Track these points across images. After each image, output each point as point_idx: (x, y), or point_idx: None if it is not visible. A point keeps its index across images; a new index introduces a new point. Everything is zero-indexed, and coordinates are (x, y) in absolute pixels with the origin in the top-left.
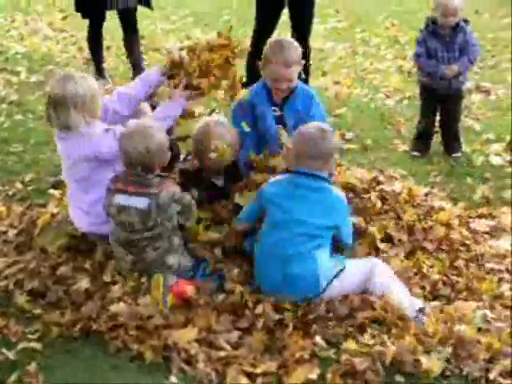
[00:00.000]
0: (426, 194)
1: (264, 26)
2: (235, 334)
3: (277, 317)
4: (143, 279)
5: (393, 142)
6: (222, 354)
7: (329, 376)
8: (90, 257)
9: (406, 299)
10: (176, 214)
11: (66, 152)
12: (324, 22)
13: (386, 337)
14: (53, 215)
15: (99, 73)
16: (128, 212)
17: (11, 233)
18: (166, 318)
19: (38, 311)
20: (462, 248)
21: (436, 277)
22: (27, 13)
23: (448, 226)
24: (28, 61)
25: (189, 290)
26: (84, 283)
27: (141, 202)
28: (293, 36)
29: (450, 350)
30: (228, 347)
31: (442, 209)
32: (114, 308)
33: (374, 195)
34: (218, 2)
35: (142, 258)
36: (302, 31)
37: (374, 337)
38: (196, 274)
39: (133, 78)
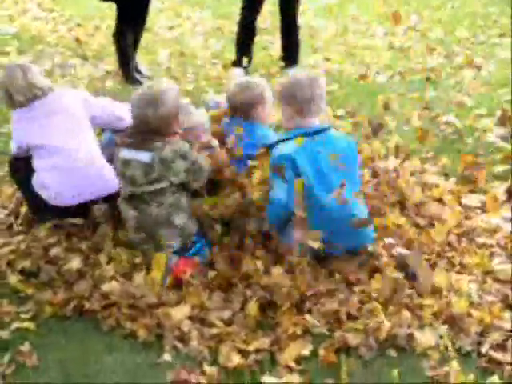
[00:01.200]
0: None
1: (252, 2)
2: (228, 312)
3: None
4: (138, 259)
5: (384, 118)
6: (215, 331)
7: (321, 352)
8: (82, 237)
9: None
10: (183, 171)
11: None
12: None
13: (381, 314)
14: None
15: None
16: (131, 165)
17: (2, 213)
18: (158, 297)
19: (30, 291)
20: (453, 223)
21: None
22: None
23: (440, 201)
24: (18, 41)
25: (188, 270)
26: (76, 263)
27: (144, 156)
28: (281, 12)
29: (444, 326)
30: (221, 324)
31: (435, 185)
32: (106, 287)
33: (366, 171)
34: None
35: (146, 213)
36: (289, 8)
37: (369, 312)
38: (196, 244)
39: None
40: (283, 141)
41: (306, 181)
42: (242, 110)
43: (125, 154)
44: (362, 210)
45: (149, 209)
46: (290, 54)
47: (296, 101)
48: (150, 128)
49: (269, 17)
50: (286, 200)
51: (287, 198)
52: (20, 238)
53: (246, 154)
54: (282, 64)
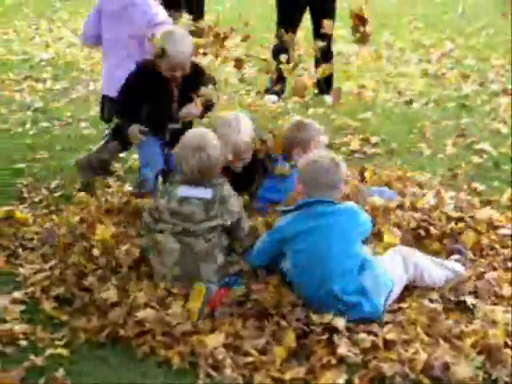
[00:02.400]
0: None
1: (285, 28)
2: (262, 340)
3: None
4: (174, 289)
5: (418, 145)
6: (249, 359)
7: (356, 381)
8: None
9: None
10: (237, 213)
11: None
12: (348, 26)
13: (418, 344)
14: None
15: None
16: (190, 202)
17: (37, 240)
18: (193, 325)
19: (64, 317)
20: (490, 252)
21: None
22: (51, 20)
23: (477, 230)
24: (53, 67)
25: (224, 300)
26: (110, 293)
27: (206, 193)
28: (315, 39)
29: (481, 357)
30: (255, 353)
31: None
32: (141, 314)
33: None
34: (242, 8)
35: (192, 248)
36: (323, 34)
37: (405, 342)
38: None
39: None
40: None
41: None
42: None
43: (182, 190)
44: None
45: (196, 243)
46: (324, 80)
47: (316, 184)
48: (211, 165)
49: (302, 43)
50: (256, 256)
51: (256, 255)
52: (53, 263)
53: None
54: (316, 91)
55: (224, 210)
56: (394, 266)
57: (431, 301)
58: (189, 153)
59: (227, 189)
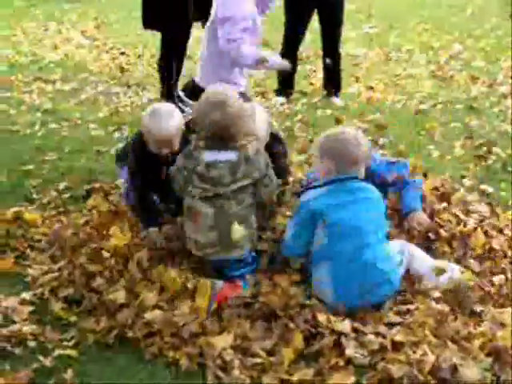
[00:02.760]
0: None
1: (294, 30)
2: (270, 342)
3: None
4: (189, 283)
5: (426, 147)
6: (257, 360)
7: (364, 383)
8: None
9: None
10: (264, 168)
11: None
12: (357, 28)
13: (425, 346)
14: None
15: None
16: (216, 166)
17: (45, 241)
18: (201, 326)
19: (73, 318)
20: (498, 254)
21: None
22: (60, 22)
23: (486, 233)
24: (62, 69)
25: (231, 295)
26: (119, 295)
27: (230, 155)
28: (323, 41)
29: (489, 359)
30: (263, 354)
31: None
32: (149, 315)
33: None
34: None
35: (225, 210)
36: (331, 37)
37: (413, 344)
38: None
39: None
40: (313, 188)
41: (328, 229)
42: None
43: (207, 156)
44: (389, 260)
45: (229, 205)
46: (332, 82)
47: (346, 159)
48: (221, 131)
49: (311, 45)
50: (290, 243)
51: (293, 240)
52: (62, 264)
53: None
54: (324, 92)
55: (252, 169)
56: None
57: (439, 302)
58: (207, 108)
59: (252, 147)
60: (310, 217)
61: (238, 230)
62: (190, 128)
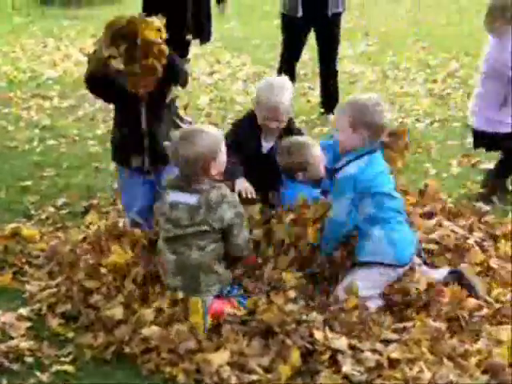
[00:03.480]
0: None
1: (290, 49)
2: (267, 358)
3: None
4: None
5: (423, 165)
6: (254, 377)
7: None
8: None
9: None
10: (228, 219)
11: None
12: (353, 46)
13: (422, 363)
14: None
15: None
16: (178, 208)
17: (43, 257)
18: (198, 342)
19: (70, 334)
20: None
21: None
22: (59, 38)
23: (483, 249)
24: (60, 86)
25: (226, 309)
26: (116, 311)
27: (191, 198)
28: (320, 59)
29: (486, 377)
30: (260, 371)
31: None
32: (146, 331)
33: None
34: (248, 27)
35: (186, 257)
36: (328, 55)
37: (410, 361)
38: (230, 292)
39: None
40: (349, 162)
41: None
42: None
43: (172, 196)
44: None
45: (189, 252)
46: (330, 100)
47: (376, 128)
48: (189, 168)
49: (308, 63)
50: (345, 219)
51: (346, 216)
52: (59, 280)
53: None
54: (322, 110)
55: (212, 217)
56: None
57: (435, 320)
58: (177, 144)
59: (217, 194)
60: (359, 190)
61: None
62: None
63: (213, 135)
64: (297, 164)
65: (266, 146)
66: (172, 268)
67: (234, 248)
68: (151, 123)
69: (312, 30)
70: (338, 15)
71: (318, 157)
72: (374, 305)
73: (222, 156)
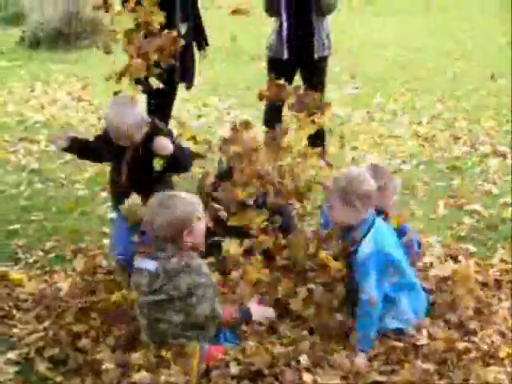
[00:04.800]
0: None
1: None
2: None
3: None
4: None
5: (409, 206)
6: None
7: None
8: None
9: None
10: (186, 289)
11: None
12: (340, 89)
13: None
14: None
15: None
16: (140, 273)
17: (31, 301)
18: None
19: (59, 378)
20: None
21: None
22: (47, 82)
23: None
24: (48, 129)
25: (220, 355)
26: (105, 355)
27: (150, 265)
28: None
29: None
30: None
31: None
32: (136, 376)
33: None
34: (234, 71)
35: (155, 328)
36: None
37: None
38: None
39: None
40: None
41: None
42: None
43: (137, 261)
44: None
45: (158, 324)
46: (317, 142)
47: (368, 195)
48: (160, 233)
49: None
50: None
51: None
52: (47, 324)
53: None
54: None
55: (170, 286)
56: None
57: (424, 362)
58: (152, 209)
59: (177, 262)
60: (383, 264)
61: None
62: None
63: (189, 202)
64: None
65: None
66: (144, 331)
67: (195, 318)
68: (135, 175)
69: (298, 72)
70: (324, 58)
71: (392, 187)
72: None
73: (200, 224)
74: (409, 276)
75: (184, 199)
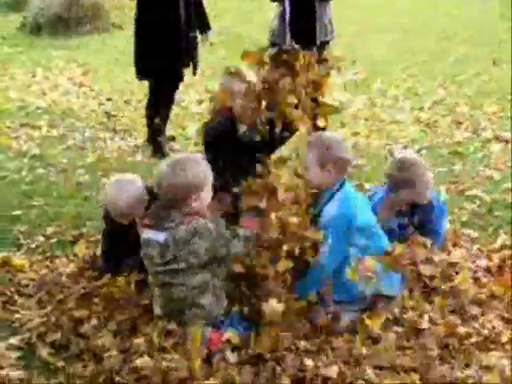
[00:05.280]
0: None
1: None
2: None
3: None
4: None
5: None
6: None
7: None
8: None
9: None
10: (204, 250)
11: None
12: (341, 74)
13: None
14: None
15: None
16: (149, 245)
17: (33, 286)
18: (189, 371)
19: (60, 364)
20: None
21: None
22: (48, 68)
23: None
24: (49, 115)
25: (222, 341)
26: (106, 340)
27: (159, 236)
28: None
29: None
30: None
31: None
32: (137, 360)
33: None
34: (235, 56)
35: (169, 293)
36: None
37: None
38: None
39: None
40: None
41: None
42: None
43: (145, 234)
44: None
45: (171, 289)
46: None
47: (344, 162)
48: (170, 196)
49: None
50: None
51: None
52: (49, 309)
53: None
54: None
55: (185, 253)
56: None
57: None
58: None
59: (186, 230)
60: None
61: None
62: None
63: (201, 169)
64: (406, 179)
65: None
66: (158, 300)
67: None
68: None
69: None
70: (325, 43)
71: (428, 180)
72: (348, 318)
73: (207, 191)
74: (379, 240)
75: (197, 164)
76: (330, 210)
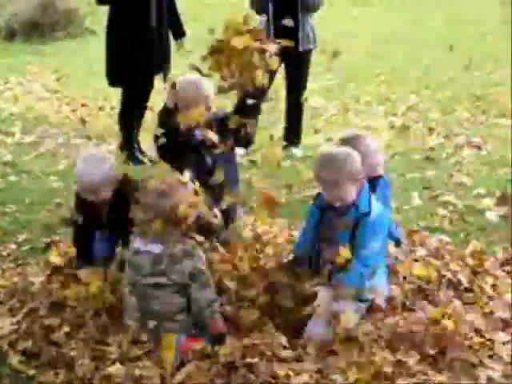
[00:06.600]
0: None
1: None
2: None
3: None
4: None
5: None
6: None
7: None
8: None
9: None
10: (189, 274)
11: None
12: (316, 80)
13: None
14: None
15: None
16: (141, 255)
17: (4, 294)
18: (162, 378)
19: (32, 372)
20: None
21: None
22: (21, 74)
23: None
24: (22, 122)
25: (196, 347)
26: (78, 347)
27: (154, 247)
28: (288, 92)
29: None
30: None
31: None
32: (109, 368)
33: None
34: None
35: (147, 304)
36: (296, 88)
37: None
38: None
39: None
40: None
41: None
42: None
43: (138, 242)
44: None
45: (149, 301)
46: (293, 133)
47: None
48: (162, 219)
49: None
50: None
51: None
52: (20, 317)
53: None
54: (284, 143)
55: (173, 270)
56: None
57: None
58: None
59: (180, 247)
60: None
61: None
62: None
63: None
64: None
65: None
66: (133, 312)
67: (194, 304)
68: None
69: (283, 64)
70: (309, 51)
71: (376, 151)
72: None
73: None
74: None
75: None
76: (376, 208)
